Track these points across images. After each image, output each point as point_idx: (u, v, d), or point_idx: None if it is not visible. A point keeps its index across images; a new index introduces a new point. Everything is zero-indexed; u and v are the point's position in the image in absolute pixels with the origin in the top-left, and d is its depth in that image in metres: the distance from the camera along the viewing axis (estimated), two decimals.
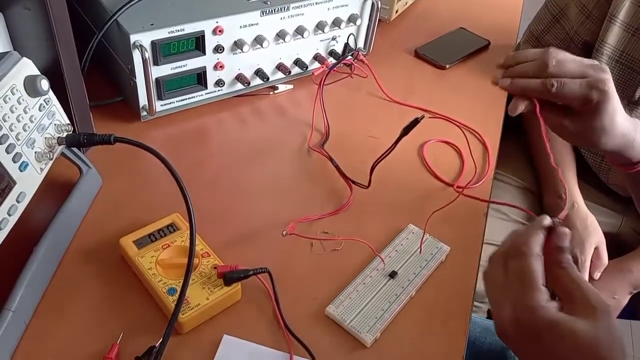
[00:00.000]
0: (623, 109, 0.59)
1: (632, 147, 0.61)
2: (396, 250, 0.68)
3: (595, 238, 0.91)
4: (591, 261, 0.92)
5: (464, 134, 0.86)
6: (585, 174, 1.00)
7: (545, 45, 1.01)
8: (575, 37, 0.96)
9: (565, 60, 0.57)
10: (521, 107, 0.59)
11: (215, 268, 0.60)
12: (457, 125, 0.89)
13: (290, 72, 0.91)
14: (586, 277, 0.92)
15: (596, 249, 0.92)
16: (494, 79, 0.60)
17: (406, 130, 0.65)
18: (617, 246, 0.97)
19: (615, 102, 0.57)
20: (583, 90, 0.55)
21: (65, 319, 0.58)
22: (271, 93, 0.93)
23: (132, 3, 0.78)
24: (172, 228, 0.65)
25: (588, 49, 0.95)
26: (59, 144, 0.60)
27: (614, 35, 0.88)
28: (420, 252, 0.68)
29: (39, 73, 0.59)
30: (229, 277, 0.59)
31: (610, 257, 0.94)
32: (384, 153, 0.69)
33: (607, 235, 0.94)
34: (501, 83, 0.58)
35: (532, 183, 1.03)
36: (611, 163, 0.66)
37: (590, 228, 0.92)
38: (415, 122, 0.64)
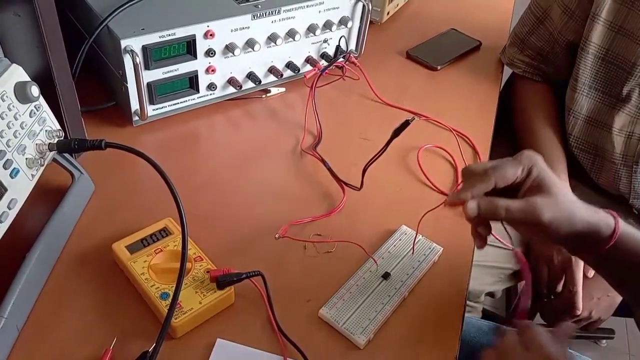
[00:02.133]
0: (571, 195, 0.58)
1: (598, 227, 0.58)
2: (389, 252, 0.69)
3: None
4: None
5: (455, 137, 0.87)
6: (576, 173, 1.00)
7: (530, 47, 1.02)
8: (559, 37, 0.97)
9: (495, 162, 0.58)
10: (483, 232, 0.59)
11: (208, 272, 0.60)
12: (448, 128, 0.89)
13: (282, 75, 0.91)
14: (580, 276, 0.92)
15: None
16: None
17: (396, 132, 0.65)
18: None
19: (553, 178, 0.57)
20: (515, 163, 0.57)
21: (58, 324, 0.58)
22: (263, 96, 0.93)
23: (123, 8, 0.78)
24: (164, 233, 0.65)
25: (572, 49, 0.95)
26: (50, 150, 0.60)
27: (598, 34, 0.89)
28: (412, 253, 0.68)
29: (29, 79, 0.59)
30: (221, 281, 0.59)
31: None
32: (376, 155, 0.69)
33: None
34: (471, 210, 0.57)
35: None
36: (574, 251, 0.63)
37: None
38: (406, 124, 0.64)
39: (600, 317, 0.96)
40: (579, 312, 0.92)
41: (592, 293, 0.93)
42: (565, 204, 0.57)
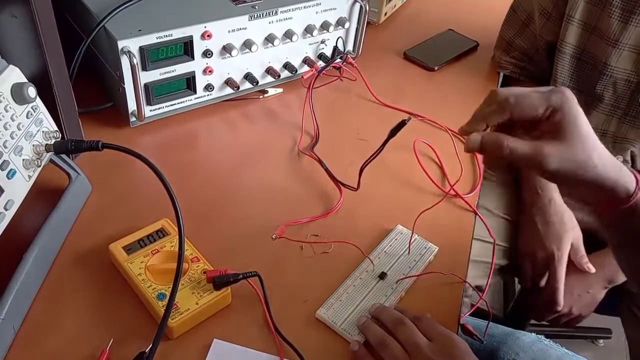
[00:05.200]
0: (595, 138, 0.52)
1: (614, 186, 0.52)
2: (385, 252, 0.69)
3: (572, 234, 0.92)
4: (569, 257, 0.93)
5: (452, 137, 0.87)
6: None
7: (517, 49, 1.03)
8: (539, 38, 0.98)
9: (521, 91, 0.52)
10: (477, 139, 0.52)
11: (204, 273, 0.61)
12: (445, 129, 0.90)
13: (279, 76, 0.91)
14: (562, 273, 0.92)
15: (572, 245, 0.93)
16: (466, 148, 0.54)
17: (393, 133, 0.65)
18: (595, 243, 0.98)
19: (582, 119, 0.51)
20: (542, 99, 0.51)
21: (55, 325, 0.58)
22: (261, 97, 0.94)
23: (120, 9, 0.78)
24: (161, 233, 0.65)
25: (552, 49, 0.97)
26: (47, 151, 0.61)
27: (572, 34, 0.91)
28: (408, 253, 0.69)
29: (26, 80, 0.59)
30: (218, 282, 0.59)
31: (588, 254, 0.94)
32: (372, 155, 0.70)
33: (586, 232, 0.94)
34: (473, 144, 0.52)
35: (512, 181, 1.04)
36: (583, 203, 0.57)
37: (567, 223, 0.92)
38: (402, 124, 0.64)
39: (580, 314, 0.96)
40: (559, 308, 0.93)
41: (573, 290, 0.94)
42: (578, 155, 0.51)
